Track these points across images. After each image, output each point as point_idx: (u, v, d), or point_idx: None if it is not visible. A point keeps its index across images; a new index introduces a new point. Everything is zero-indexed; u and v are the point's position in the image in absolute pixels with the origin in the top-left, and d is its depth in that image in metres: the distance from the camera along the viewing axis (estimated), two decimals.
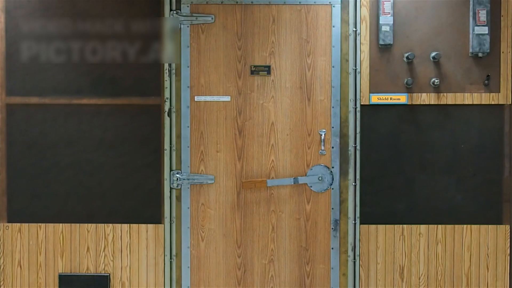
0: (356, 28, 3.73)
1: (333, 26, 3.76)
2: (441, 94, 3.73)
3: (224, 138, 3.79)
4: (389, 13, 3.69)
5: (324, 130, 3.75)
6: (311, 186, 3.77)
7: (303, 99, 3.77)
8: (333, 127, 3.75)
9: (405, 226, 3.75)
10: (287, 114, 3.75)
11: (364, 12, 3.73)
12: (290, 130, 3.78)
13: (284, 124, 3.78)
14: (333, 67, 3.76)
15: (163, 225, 3.79)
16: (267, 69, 3.78)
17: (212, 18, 3.77)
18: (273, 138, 3.78)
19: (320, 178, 3.76)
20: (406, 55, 3.69)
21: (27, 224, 3.82)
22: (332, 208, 3.78)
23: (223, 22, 3.78)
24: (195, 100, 3.77)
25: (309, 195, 3.78)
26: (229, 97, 3.78)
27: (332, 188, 3.79)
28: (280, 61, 3.78)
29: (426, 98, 3.73)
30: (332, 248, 3.79)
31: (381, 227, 3.75)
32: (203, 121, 3.78)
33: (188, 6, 3.76)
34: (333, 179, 3.77)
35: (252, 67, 3.78)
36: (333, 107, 3.76)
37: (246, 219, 3.80)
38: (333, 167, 3.78)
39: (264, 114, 3.79)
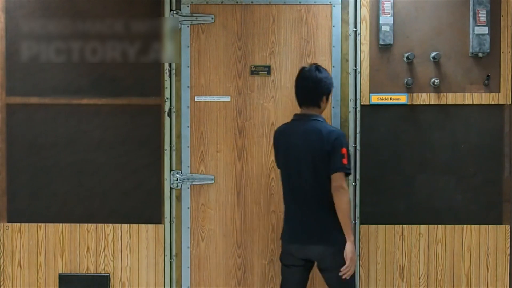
0: (356, 28, 3.73)
1: (333, 26, 3.75)
2: (441, 94, 3.73)
3: (224, 138, 3.78)
4: (389, 13, 3.69)
5: None
6: None
7: None
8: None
9: (405, 226, 3.75)
10: (288, 115, 3.71)
11: (364, 12, 3.73)
12: None
13: None
14: (333, 67, 3.74)
15: (163, 225, 3.79)
16: (267, 69, 3.77)
17: (212, 18, 3.76)
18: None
19: None
20: (406, 55, 3.69)
21: (27, 224, 3.82)
22: None
23: (223, 22, 3.77)
24: (195, 100, 3.76)
25: None
26: (229, 97, 3.77)
27: None
28: (280, 61, 3.77)
29: (426, 98, 3.73)
30: None
31: (381, 227, 3.75)
32: (203, 121, 3.77)
33: (188, 6, 3.76)
34: None
35: (252, 67, 3.77)
36: (333, 107, 3.75)
37: (246, 219, 3.79)
38: None
39: (264, 114, 3.78)
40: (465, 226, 3.75)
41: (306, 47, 3.76)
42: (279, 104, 3.77)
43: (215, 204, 3.79)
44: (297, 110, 3.70)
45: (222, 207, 3.79)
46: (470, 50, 3.70)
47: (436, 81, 3.69)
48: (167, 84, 3.76)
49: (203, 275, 3.79)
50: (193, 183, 3.77)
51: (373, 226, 3.76)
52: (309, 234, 3.19)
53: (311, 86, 3.27)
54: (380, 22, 3.69)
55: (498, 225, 3.74)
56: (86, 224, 3.82)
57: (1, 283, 3.82)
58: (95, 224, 3.82)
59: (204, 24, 3.76)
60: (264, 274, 3.79)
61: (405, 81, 3.71)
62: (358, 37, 3.72)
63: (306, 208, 3.20)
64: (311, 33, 3.76)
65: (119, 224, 3.81)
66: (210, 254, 3.79)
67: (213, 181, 3.77)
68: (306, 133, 3.22)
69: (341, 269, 3.13)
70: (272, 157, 3.73)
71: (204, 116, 3.77)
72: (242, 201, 3.79)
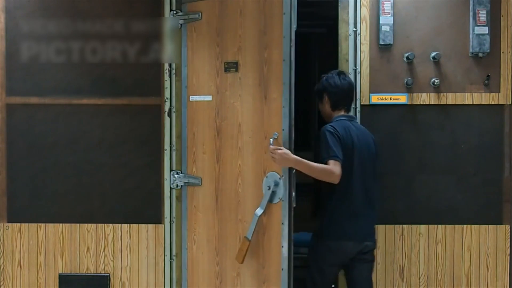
0: (356, 28, 3.73)
1: (284, 14, 3.16)
2: (441, 94, 3.72)
3: (208, 139, 3.58)
4: (389, 13, 3.69)
5: (276, 133, 3.21)
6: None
7: (261, 97, 3.32)
8: (283, 130, 3.19)
9: (405, 226, 3.74)
10: (251, 114, 3.37)
11: (364, 12, 3.73)
12: (252, 132, 3.37)
13: (248, 125, 3.39)
14: (283, 60, 3.18)
15: (163, 225, 3.79)
16: (235, 66, 3.42)
17: (199, 15, 3.61)
18: (240, 141, 3.42)
19: (269, 187, 3.24)
20: (406, 55, 3.69)
21: (27, 224, 3.82)
22: (282, 223, 3.18)
23: (207, 18, 3.58)
24: (190, 100, 3.67)
25: (265, 206, 3.24)
26: (211, 96, 3.56)
27: (282, 200, 3.20)
28: (245, 56, 3.40)
29: (426, 98, 3.72)
30: (282, 269, 3.17)
31: (381, 227, 3.74)
32: (195, 122, 3.66)
33: (186, 6, 3.71)
34: (284, 189, 3.20)
35: (225, 64, 3.47)
36: (283, 107, 3.19)
37: (222, 226, 3.51)
38: (282, 176, 3.19)
39: (234, 114, 3.44)
40: (465, 226, 3.75)
41: (263, 40, 3.31)
42: (245, 103, 3.40)
43: (202, 207, 3.63)
44: (259, 109, 3.35)
45: (207, 210, 3.59)
46: (470, 50, 3.70)
47: (436, 81, 3.69)
48: (167, 84, 3.76)
49: (196, 278, 3.67)
50: (188, 184, 3.70)
51: None
52: (368, 231, 3.38)
53: (353, 90, 3.53)
54: (380, 22, 3.69)
55: (498, 225, 3.74)
56: (86, 224, 3.82)
57: (1, 283, 3.82)
58: (95, 224, 3.82)
59: (196, 22, 3.64)
60: (233, 286, 3.46)
61: (405, 81, 3.71)
62: (358, 37, 3.72)
63: (368, 205, 3.36)
64: (267, 24, 3.29)
65: (119, 224, 3.81)
66: (200, 258, 3.64)
67: (200, 184, 3.62)
68: (362, 134, 3.40)
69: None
70: (240, 161, 3.42)
71: (195, 116, 3.65)
72: (220, 206, 3.53)
